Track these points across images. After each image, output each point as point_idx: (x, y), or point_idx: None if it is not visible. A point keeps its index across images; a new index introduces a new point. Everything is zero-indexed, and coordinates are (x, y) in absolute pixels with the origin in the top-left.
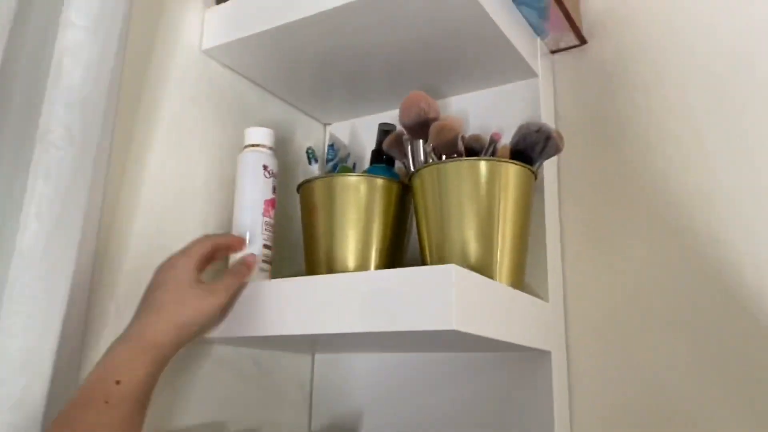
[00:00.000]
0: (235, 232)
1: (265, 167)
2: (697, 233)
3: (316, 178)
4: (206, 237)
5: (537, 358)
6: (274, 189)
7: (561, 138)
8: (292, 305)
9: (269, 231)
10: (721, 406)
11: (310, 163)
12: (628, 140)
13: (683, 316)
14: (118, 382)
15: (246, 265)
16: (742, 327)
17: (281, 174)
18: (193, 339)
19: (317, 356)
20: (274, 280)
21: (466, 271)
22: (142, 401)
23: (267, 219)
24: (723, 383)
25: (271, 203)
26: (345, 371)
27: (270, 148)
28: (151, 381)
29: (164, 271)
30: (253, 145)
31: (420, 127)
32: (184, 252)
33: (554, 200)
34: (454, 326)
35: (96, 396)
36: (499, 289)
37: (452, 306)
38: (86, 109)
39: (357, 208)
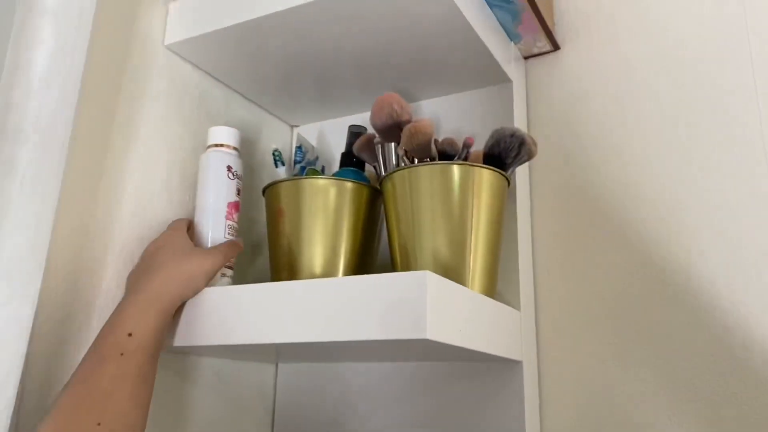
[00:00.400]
0: (196, 236)
1: (229, 168)
2: (670, 242)
3: (283, 180)
4: (180, 219)
5: (508, 367)
6: (239, 191)
7: (535, 143)
8: (255, 313)
9: (232, 235)
10: (691, 417)
11: (276, 165)
12: (601, 147)
13: (655, 326)
14: (130, 335)
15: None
16: (714, 338)
17: (246, 176)
18: (192, 297)
19: (281, 366)
20: (237, 287)
21: (439, 278)
22: (153, 353)
23: (230, 223)
24: (693, 395)
25: (235, 206)
26: (310, 381)
27: (235, 149)
28: (160, 332)
29: (159, 241)
30: (216, 145)
31: (392, 130)
32: (171, 227)
33: (526, 207)
34: (427, 335)
35: (110, 350)
36: (472, 297)
37: (426, 314)
38: (51, 99)
39: (325, 213)
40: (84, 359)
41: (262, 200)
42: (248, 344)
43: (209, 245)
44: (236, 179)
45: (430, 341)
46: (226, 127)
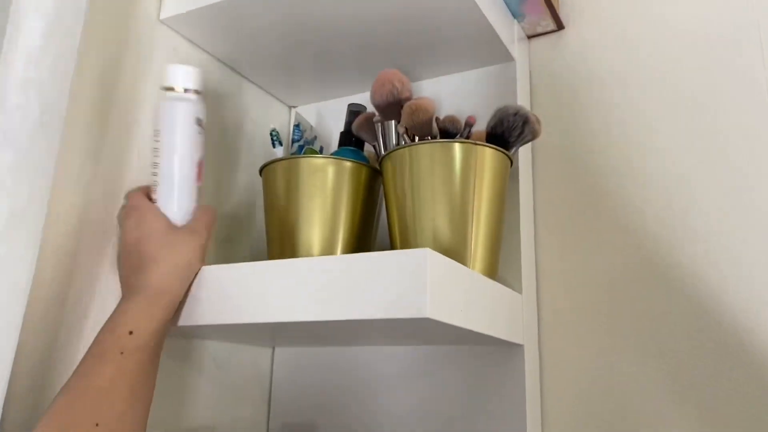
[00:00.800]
0: (161, 205)
1: (199, 122)
2: (675, 226)
3: (280, 159)
4: (136, 188)
5: (509, 351)
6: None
7: (539, 122)
8: (251, 291)
9: (198, 201)
10: (692, 403)
11: (274, 146)
12: (605, 128)
13: (657, 312)
14: (131, 333)
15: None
16: (715, 324)
17: (243, 157)
18: (193, 280)
19: (278, 350)
20: (233, 265)
21: (441, 256)
22: (156, 350)
23: (199, 185)
24: (694, 381)
25: (202, 165)
26: (306, 365)
27: (198, 93)
28: (163, 328)
29: (134, 229)
30: (183, 90)
31: (392, 108)
32: (136, 206)
33: (528, 189)
34: (428, 314)
35: (110, 348)
36: (474, 278)
37: (426, 293)
38: (45, 69)
39: (323, 192)
40: (83, 358)
41: (259, 180)
42: (244, 324)
43: (182, 217)
44: (203, 133)
45: (430, 320)
46: (191, 67)
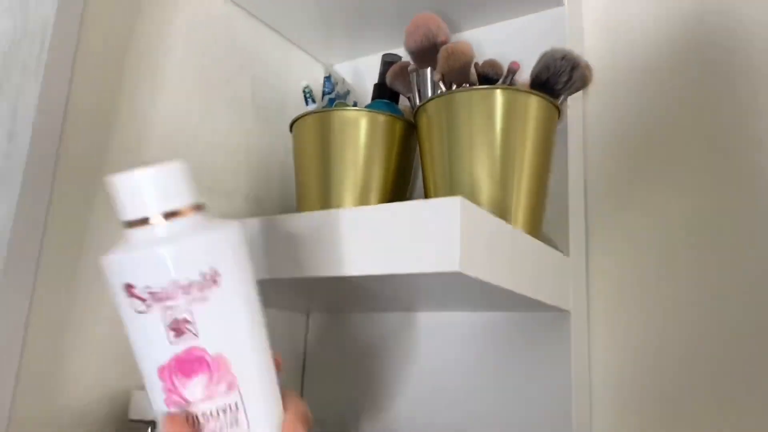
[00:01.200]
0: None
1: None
2: (738, 188)
3: (311, 112)
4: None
5: (555, 318)
6: None
7: (589, 69)
8: (278, 246)
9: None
10: (751, 376)
11: (307, 103)
12: (664, 81)
13: (711, 281)
14: None
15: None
16: None
17: (276, 116)
18: None
19: (312, 316)
20: (255, 219)
21: (475, 206)
22: None
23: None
24: (753, 353)
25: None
26: (342, 333)
27: (199, 208)
28: None
29: None
30: (189, 216)
31: (427, 54)
32: None
33: (578, 145)
34: (458, 267)
35: None
36: (515, 235)
37: (456, 243)
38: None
39: (355, 147)
40: None
41: (290, 140)
42: (269, 279)
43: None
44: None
45: (461, 276)
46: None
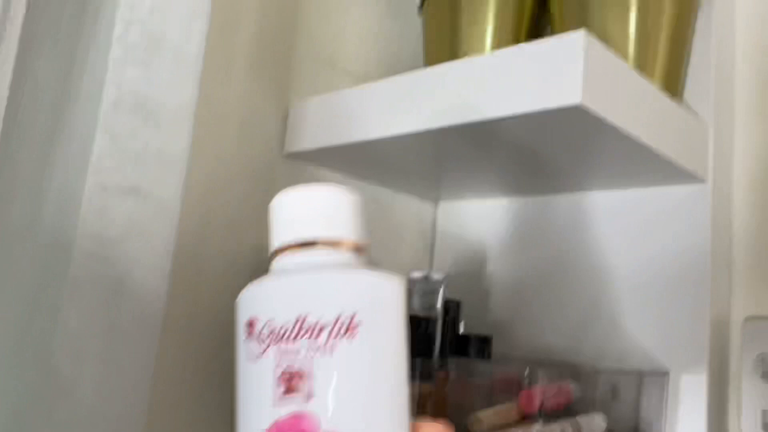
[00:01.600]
0: None
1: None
2: None
3: None
4: None
5: (690, 193)
6: None
7: None
8: (401, 102)
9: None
10: None
11: None
12: None
13: None
14: None
15: None
16: None
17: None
18: None
19: (441, 204)
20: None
21: (602, 45)
22: None
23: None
24: None
25: None
26: (470, 220)
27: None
28: None
29: None
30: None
31: None
32: None
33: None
34: (579, 99)
35: None
36: (642, 83)
37: (578, 75)
38: None
39: None
40: None
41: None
42: (396, 136)
43: None
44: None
45: (584, 111)
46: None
